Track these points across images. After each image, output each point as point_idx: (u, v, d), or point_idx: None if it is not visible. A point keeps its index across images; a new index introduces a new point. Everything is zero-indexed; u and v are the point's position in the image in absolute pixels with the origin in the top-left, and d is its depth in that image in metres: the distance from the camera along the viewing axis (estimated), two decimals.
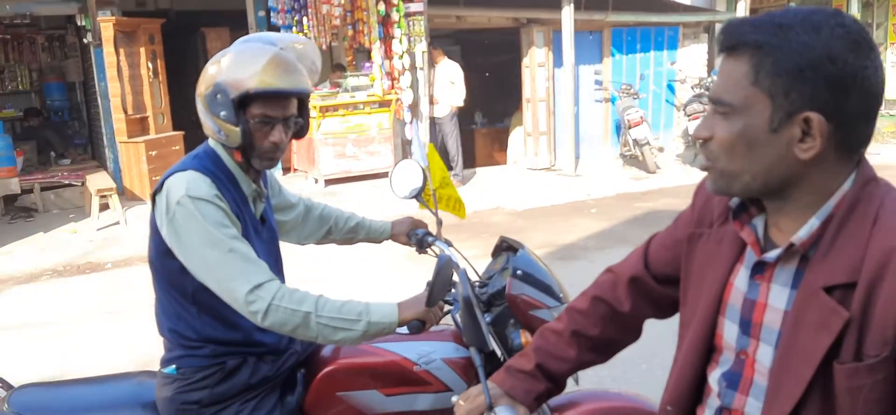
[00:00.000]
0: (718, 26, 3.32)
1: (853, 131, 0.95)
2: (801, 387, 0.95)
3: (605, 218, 7.29)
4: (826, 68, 0.91)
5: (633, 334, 1.35)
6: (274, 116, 1.66)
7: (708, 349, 1.12)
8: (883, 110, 13.36)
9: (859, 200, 0.96)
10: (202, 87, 1.68)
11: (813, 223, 0.97)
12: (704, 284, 1.12)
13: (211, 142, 1.74)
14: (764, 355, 1.02)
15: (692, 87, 10.22)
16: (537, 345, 1.32)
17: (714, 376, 1.11)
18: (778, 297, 1.01)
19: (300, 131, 1.78)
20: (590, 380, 3.59)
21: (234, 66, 1.64)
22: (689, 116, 9.84)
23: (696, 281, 1.15)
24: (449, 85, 9.11)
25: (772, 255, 1.02)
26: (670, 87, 10.78)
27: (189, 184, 1.60)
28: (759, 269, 1.04)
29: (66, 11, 9.01)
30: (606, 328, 1.31)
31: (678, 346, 1.18)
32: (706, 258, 1.13)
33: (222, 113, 1.63)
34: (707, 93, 9.48)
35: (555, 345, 1.31)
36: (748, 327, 1.05)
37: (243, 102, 1.63)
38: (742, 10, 10.32)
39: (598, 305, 1.32)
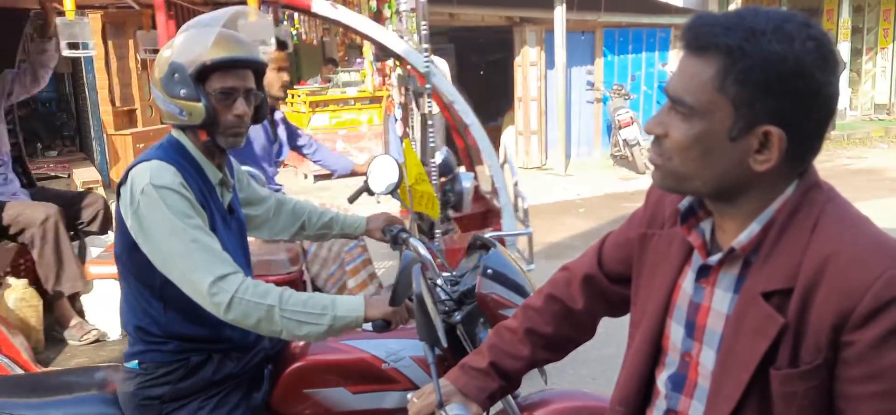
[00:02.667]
0: None
1: (807, 144, 0.94)
2: (738, 391, 0.94)
3: (593, 218, 7.30)
4: (794, 83, 0.89)
5: (588, 332, 1.35)
6: (234, 87, 1.66)
7: (656, 350, 1.11)
8: (872, 114, 13.43)
9: (801, 207, 0.95)
10: (157, 72, 1.67)
11: (753, 228, 0.96)
12: (654, 284, 1.11)
13: (174, 131, 1.72)
14: (706, 358, 1.02)
15: None
16: (492, 343, 1.31)
17: (661, 379, 1.11)
18: (721, 301, 1.01)
19: (260, 110, 1.77)
20: (569, 380, 3.60)
21: (187, 43, 1.64)
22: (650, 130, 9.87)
23: (646, 281, 1.14)
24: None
25: (714, 259, 1.01)
26: (661, 89, 10.79)
27: (153, 173, 1.58)
28: (704, 272, 1.04)
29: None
30: (560, 326, 1.30)
31: (628, 346, 1.18)
32: (656, 259, 1.12)
33: (182, 91, 1.62)
34: None
35: (509, 343, 1.30)
36: (693, 329, 1.04)
37: (201, 77, 1.63)
38: None
39: (552, 303, 1.31)
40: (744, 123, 0.92)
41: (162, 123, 9.08)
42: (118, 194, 1.64)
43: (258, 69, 1.73)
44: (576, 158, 10.39)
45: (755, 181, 0.95)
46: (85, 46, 2.81)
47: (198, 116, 1.63)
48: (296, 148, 3.62)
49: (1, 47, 3.51)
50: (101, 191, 7.62)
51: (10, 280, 2.95)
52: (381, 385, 1.78)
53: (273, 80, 2.97)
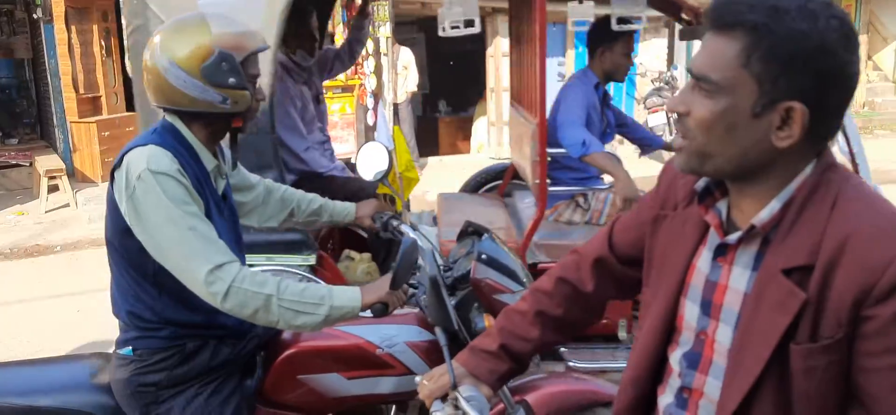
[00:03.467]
0: (678, 24, 3.38)
1: (828, 123, 0.96)
2: (759, 366, 0.96)
3: None
4: (818, 60, 0.91)
5: (597, 314, 1.37)
6: (259, 75, 1.71)
7: (669, 330, 1.13)
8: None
9: (819, 185, 0.97)
10: (194, 60, 1.59)
11: (774, 206, 0.98)
12: (667, 265, 1.13)
13: (169, 116, 1.68)
14: (723, 335, 1.04)
15: (652, 81, 10.37)
16: (501, 325, 1.33)
17: (675, 357, 1.12)
18: (739, 279, 1.02)
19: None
20: (558, 366, 3.65)
21: (228, 30, 1.64)
22: (648, 109, 9.99)
23: (658, 262, 1.16)
24: (402, 70, 9.10)
25: (733, 237, 1.03)
26: (631, 81, 10.93)
27: (150, 158, 1.55)
28: (722, 251, 1.05)
29: None
30: (570, 309, 1.32)
31: (639, 326, 1.20)
32: (670, 240, 1.14)
33: (231, 80, 1.61)
34: (667, 87, 9.65)
35: (519, 325, 1.32)
36: (709, 307, 1.06)
37: (243, 65, 1.65)
38: None
39: (562, 285, 1.33)
40: (767, 100, 0.93)
41: (128, 111, 8.90)
42: (112, 178, 1.61)
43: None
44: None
45: (776, 159, 0.97)
46: (469, 24, 2.74)
47: (244, 104, 1.66)
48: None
49: (320, 26, 3.64)
50: (65, 180, 7.44)
51: (352, 254, 2.96)
52: (375, 370, 1.79)
53: None
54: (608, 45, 3.31)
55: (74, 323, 4.34)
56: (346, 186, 3.00)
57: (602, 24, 3.23)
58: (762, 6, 0.93)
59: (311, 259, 2.49)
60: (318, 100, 3.40)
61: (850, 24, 0.93)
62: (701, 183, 1.09)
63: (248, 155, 2.20)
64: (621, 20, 2.89)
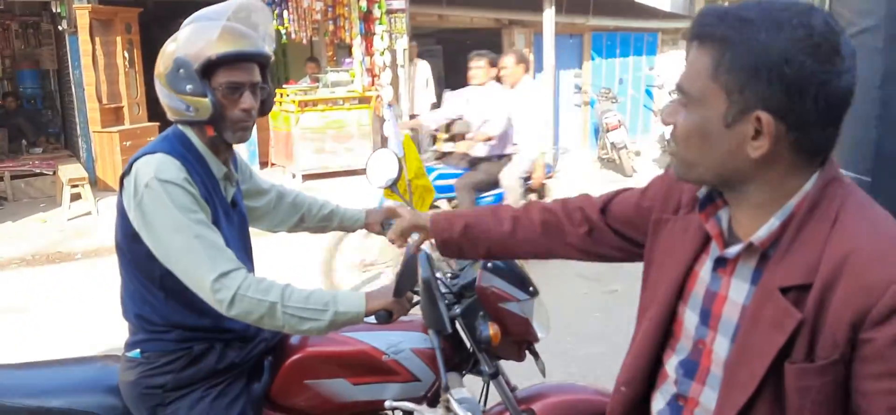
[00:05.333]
0: None
1: (810, 134, 0.94)
2: (754, 383, 0.95)
3: None
4: (781, 70, 0.90)
5: (564, 255, 1.44)
6: (241, 82, 1.65)
7: (665, 334, 1.13)
8: None
9: (820, 201, 0.95)
10: (161, 67, 1.66)
11: (773, 223, 0.97)
12: (666, 269, 1.13)
13: (180, 124, 1.71)
14: (720, 346, 1.03)
15: (670, 93, 10.33)
16: (479, 210, 1.50)
17: (671, 363, 1.12)
18: (738, 291, 1.02)
19: (267, 102, 1.77)
20: (557, 376, 3.63)
21: (192, 38, 1.64)
22: (664, 121, 9.96)
23: (657, 265, 1.16)
24: (425, 85, 9.14)
25: (731, 251, 1.02)
26: (648, 93, 10.89)
27: (158, 166, 1.58)
28: (722, 262, 1.05)
29: None
30: (546, 233, 1.43)
31: (636, 328, 1.19)
32: (670, 245, 1.14)
33: (188, 87, 1.62)
34: None
35: (493, 215, 1.46)
36: (708, 317, 1.06)
37: (207, 72, 1.62)
38: None
39: (546, 213, 1.43)
40: (737, 110, 0.94)
41: (149, 121, 9.05)
42: (121, 184, 1.64)
43: (264, 63, 1.73)
44: (563, 160, 10.44)
45: (758, 172, 0.97)
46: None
47: (204, 112, 1.63)
48: None
49: None
50: (87, 188, 7.56)
51: None
52: (381, 377, 1.80)
53: None
54: None
55: (91, 327, 4.40)
56: None
57: None
58: (731, 18, 0.94)
59: None
60: None
61: (824, 33, 0.90)
62: (703, 190, 1.08)
63: None
64: None
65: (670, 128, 1.04)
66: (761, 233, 0.97)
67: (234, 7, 1.73)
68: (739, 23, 0.93)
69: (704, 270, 1.08)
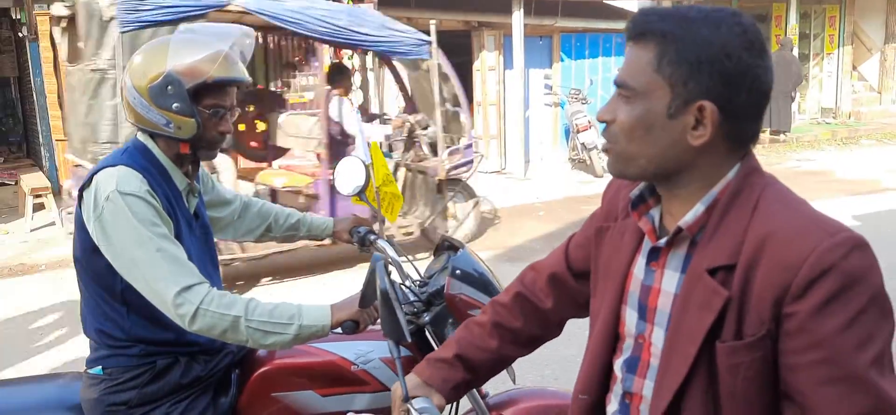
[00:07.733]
0: None
1: (742, 124, 1.01)
2: (686, 365, 0.99)
3: (552, 220, 7.38)
4: (721, 63, 0.97)
5: (554, 330, 1.39)
6: (225, 106, 1.65)
7: (614, 338, 1.15)
8: (819, 118, 13.91)
9: (742, 189, 1.01)
10: (143, 80, 1.61)
11: (698, 208, 1.02)
12: (609, 274, 1.16)
13: (141, 135, 1.68)
14: (657, 338, 1.06)
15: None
16: (459, 336, 1.35)
17: (618, 364, 1.15)
18: (669, 281, 1.06)
19: (234, 124, 1.76)
20: (531, 381, 3.64)
21: (187, 56, 1.60)
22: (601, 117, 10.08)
23: (603, 273, 1.19)
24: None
25: (663, 240, 1.07)
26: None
27: (119, 179, 1.55)
28: (654, 255, 1.09)
29: (1, 4, 8.65)
30: (528, 322, 1.34)
31: (589, 336, 1.21)
32: (611, 251, 1.17)
33: (175, 105, 1.59)
34: None
35: (477, 335, 1.33)
36: (645, 311, 1.09)
37: (197, 93, 1.60)
38: None
39: (520, 300, 1.35)
40: (680, 101, 0.99)
41: None
42: (80, 197, 1.60)
43: (240, 86, 1.73)
44: (534, 161, 10.50)
45: (696, 161, 1.02)
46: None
47: (187, 132, 1.62)
48: None
49: None
50: (50, 198, 7.39)
51: None
52: (350, 387, 1.78)
53: None
54: None
55: (56, 342, 4.30)
56: None
57: None
58: (672, 17, 1.01)
59: None
60: None
61: (754, 32, 0.99)
62: (635, 191, 1.12)
63: None
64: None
65: (600, 128, 1.06)
66: (688, 218, 1.02)
67: (238, 35, 1.72)
68: (681, 19, 1.00)
69: (638, 268, 1.12)
